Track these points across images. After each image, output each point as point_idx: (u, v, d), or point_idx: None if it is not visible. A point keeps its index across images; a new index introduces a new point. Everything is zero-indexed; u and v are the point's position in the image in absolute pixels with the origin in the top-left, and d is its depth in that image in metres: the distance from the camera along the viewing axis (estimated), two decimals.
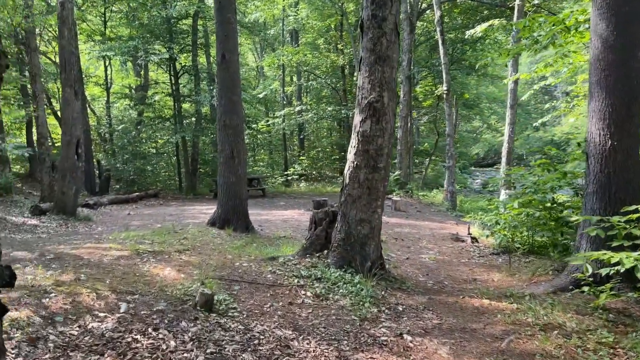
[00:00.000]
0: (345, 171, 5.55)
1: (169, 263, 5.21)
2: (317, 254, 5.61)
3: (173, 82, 20.23)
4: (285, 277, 4.99)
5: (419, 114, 25.04)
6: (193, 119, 20.97)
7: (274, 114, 32.29)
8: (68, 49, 11.23)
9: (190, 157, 20.24)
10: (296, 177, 27.02)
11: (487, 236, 7.92)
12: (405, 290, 5.11)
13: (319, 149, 30.26)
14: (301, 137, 29.55)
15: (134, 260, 5.18)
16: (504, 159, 14.11)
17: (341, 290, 4.70)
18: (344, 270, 5.24)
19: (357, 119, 5.33)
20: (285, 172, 27.51)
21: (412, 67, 20.49)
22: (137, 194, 17.47)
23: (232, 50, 8.43)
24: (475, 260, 7.03)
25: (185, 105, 21.82)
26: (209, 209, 13.88)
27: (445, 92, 15.48)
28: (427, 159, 22.97)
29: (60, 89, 11.54)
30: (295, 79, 32.92)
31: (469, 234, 8.93)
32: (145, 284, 4.35)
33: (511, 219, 6.64)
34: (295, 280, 4.88)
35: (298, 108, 29.78)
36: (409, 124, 21.04)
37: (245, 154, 8.55)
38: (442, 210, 15.01)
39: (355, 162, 5.32)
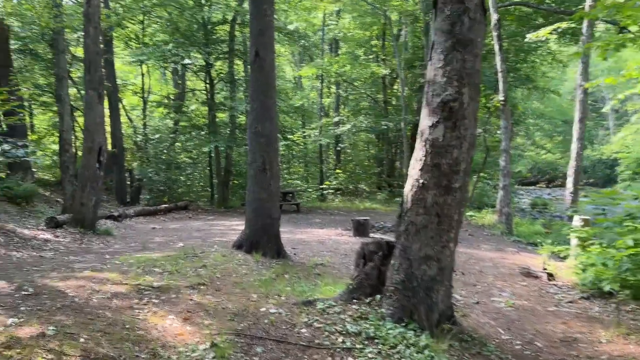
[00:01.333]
0: (406, 191, 4.25)
1: (174, 306, 4.00)
2: (368, 300, 4.29)
3: (208, 90, 19.42)
4: (326, 333, 3.70)
5: None
6: (228, 129, 20.07)
7: (310, 126, 31.30)
8: (93, 48, 10.39)
9: (223, 168, 19.29)
10: (331, 191, 25.78)
11: (577, 273, 6.39)
12: (488, 358, 3.74)
13: (356, 162, 28.94)
14: (338, 149, 28.30)
15: (131, 301, 4.00)
16: (570, 179, 12.47)
17: None
18: (404, 325, 3.92)
19: (425, 122, 4.04)
20: (321, 186, 26.30)
21: None
22: (165, 205, 16.58)
23: (267, 47, 7.29)
24: (565, 308, 5.56)
25: (221, 115, 21.01)
26: (238, 225, 12.73)
27: (502, 102, 13.96)
28: (475, 176, 21.32)
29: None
30: (333, 89, 31.88)
31: (544, 269, 7.42)
32: (135, 342, 3.14)
33: (622, 260, 5.17)
34: (340, 340, 3.59)
35: (336, 119, 28.67)
36: None
37: (278, 167, 7.36)
38: (496, 234, 13.40)
39: (421, 180, 4.02)
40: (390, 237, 10.18)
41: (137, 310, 3.78)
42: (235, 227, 12.54)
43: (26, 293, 4.00)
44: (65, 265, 5.87)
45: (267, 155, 7.20)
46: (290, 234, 11.29)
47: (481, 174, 22.15)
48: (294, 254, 7.94)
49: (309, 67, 27.23)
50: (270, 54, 7.30)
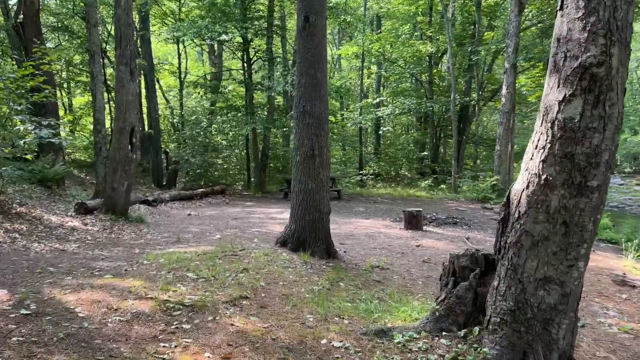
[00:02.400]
0: (516, 189, 3.18)
1: (211, 336, 3.08)
2: (461, 332, 3.26)
3: (245, 69, 18.51)
4: None
5: (523, 110, 21.82)
6: (265, 110, 19.17)
7: (347, 108, 30.10)
8: (125, 20, 9.57)
9: (260, 151, 18.45)
10: (371, 177, 24.67)
11: None
12: None
13: (398, 146, 27.65)
14: (379, 132, 27.07)
15: (156, 327, 3.11)
16: None
17: None
18: None
19: (553, 97, 2.92)
20: (360, 171, 25.21)
21: (517, 54, 17.44)
22: (202, 190, 15.88)
23: (318, 11, 6.24)
24: None
25: (258, 95, 20.12)
26: (278, 214, 11.89)
27: None
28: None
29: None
30: (373, 69, 30.51)
31: None
32: None
33: None
34: None
35: (377, 100, 27.39)
36: (511, 121, 18.00)
37: (328, 152, 6.35)
38: None
39: (543, 176, 2.93)
40: (445, 230, 8.97)
41: (163, 344, 2.87)
42: (274, 215, 11.68)
43: (26, 312, 3.15)
44: (85, 265, 5.06)
45: (316, 139, 6.20)
46: (334, 224, 10.30)
47: None
48: (344, 251, 6.97)
49: (349, 46, 25.96)
50: (322, 19, 6.25)
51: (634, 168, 42.02)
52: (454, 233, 9.98)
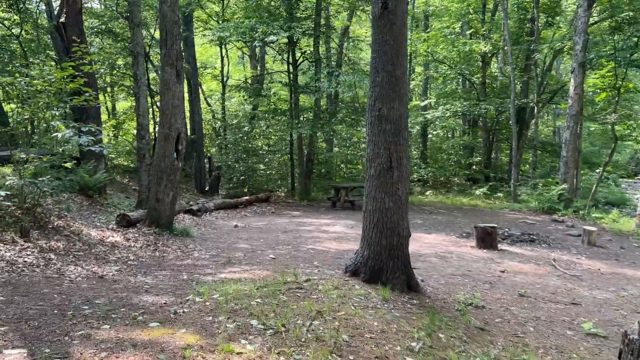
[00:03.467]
0: None
1: None
2: None
3: (291, 70, 17.68)
4: None
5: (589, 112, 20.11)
6: (311, 114, 18.29)
7: None
8: (170, 17, 8.84)
9: (305, 156, 17.57)
10: (419, 183, 23.44)
11: None
12: None
13: (448, 151, 26.28)
14: (429, 136, 25.79)
15: None
16: None
17: None
18: None
19: None
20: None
21: (586, 52, 15.94)
22: (246, 197, 15.12)
23: None
24: None
25: (302, 99, 19.26)
26: (329, 226, 10.93)
27: None
28: (600, 170, 18.15)
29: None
30: (419, 70, 29.26)
31: None
32: None
33: None
34: None
35: (424, 103, 26.14)
36: (579, 125, 16.48)
37: (408, 164, 5.34)
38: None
39: None
40: (524, 250, 7.49)
41: None
42: (325, 228, 10.73)
43: None
44: (126, 303, 4.22)
45: (394, 148, 5.19)
46: None
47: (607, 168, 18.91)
48: (421, 279, 5.93)
49: None
50: (402, 4, 5.24)
51: None
52: (534, 253, 8.76)
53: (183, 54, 16.94)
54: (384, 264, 5.13)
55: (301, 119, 16.88)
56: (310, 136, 16.92)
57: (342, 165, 21.97)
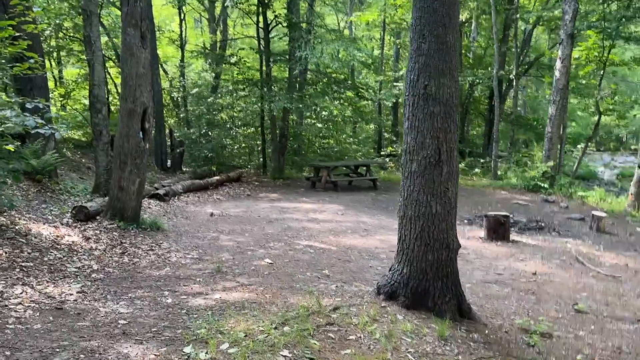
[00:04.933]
0: None
1: None
2: None
3: (262, 36, 16.11)
4: None
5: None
6: (284, 85, 16.83)
7: (363, 82, 27.67)
8: None
9: (279, 132, 16.21)
10: (391, 159, 22.54)
11: None
12: None
13: None
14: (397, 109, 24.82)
15: None
16: None
17: None
18: None
19: None
20: (382, 153, 23.10)
21: (576, 23, 15.18)
22: (217, 177, 13.73)
23: None
24: None
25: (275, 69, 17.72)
26: (317, 213, 9.79)
27: None
28: (582, 146, 17.74)
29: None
30: (390, 40, 28.06)
31: None
32: None
33: None
34: None
35: (396, 74, 25.07)
36: (565, 99, 15.86)
37: (457, 157, 4.23)
38: None
39: None
40: (537, 240, 6.67)
41: None
42: (313, 215, 9.58)
43: None
44: (94, 352, 2.97)
45: (444, 137, 4.06)
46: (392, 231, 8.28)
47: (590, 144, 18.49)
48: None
49: (369, 12, 23.46)
50: None
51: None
52: (549, 244, 7.97)
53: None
54: (431, 285, 4.06)
55: (274, 90, 15.43)
56: (284, 110, 15.54)
57: (314, 139, 20.71)
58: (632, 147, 39.36)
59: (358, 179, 13.96)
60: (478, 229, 8.92)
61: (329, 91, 15.20)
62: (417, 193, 4.10)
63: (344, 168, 14.67)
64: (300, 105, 13.64)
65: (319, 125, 21.71)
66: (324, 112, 19.89)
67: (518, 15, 18.91)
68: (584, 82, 17.99)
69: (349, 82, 15.74)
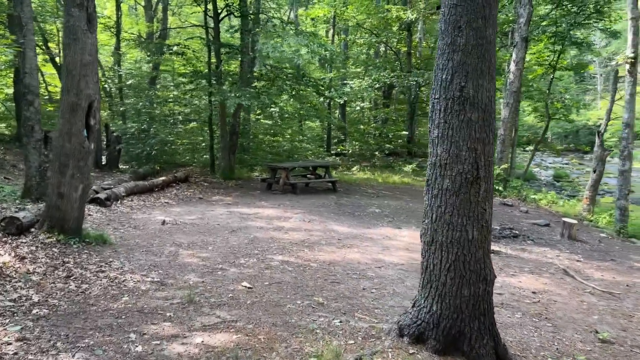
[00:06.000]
0: None
1: None
2: None
3: (211, 26, 14.98)
4: None
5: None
6: (234, 78, 15.79)
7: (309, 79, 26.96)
8: None
9: (229, 129, 15.16)
10: (340, 158, 22.04)
11: None
12: None
13: (365, 125, 25.05)
14: (345, 107, 24.34)
15: None
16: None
17: None
18: None
19: None
20: (332, 152, 22.57)
21: (530, 26, 15.30)
22: (163, 178, 12.54)
23: None
24: None
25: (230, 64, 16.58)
26: (282, 220, 8.96)
27: (632, 59, 10.41)
28: (532, 148, 18.05)
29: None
30: (338, 37, 27.54)
31: None
32: None
33: None
34: None
35: (344, 71, 24.63)
36: (518, 102, 15.99)
37: (493, 171, 3.64)
38: (607, 237, 10.09)
39: None
40: (516, 250, 6.61)
41: None
42: (278, 223, 8.76)
43: None
44: None
45: (482, 150, 3.45)
46: (366, 241, 7.69)
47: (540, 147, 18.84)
48: None
49: (319, 7, 22.81)
50: None
51: (564, 146, 41.53)
52: (531, 255, 7.69)
53: None
54: (466, 326, 3.44)
55: (227, 85, 14.38)
56: (234, 106, 14.50)
57: (263, 137, 19.76)
58: (557, 147, 41.39)
59: (318, 181, 13.26)
60: None
61: (287, 88, 14.34)
62: (450, 215, 3.46)
63: (302, 169, 13.92)
64: (255, 103, 12.67)
65: (268, 122, 20.82)
66: (271, 108, 19.01)
67: None
68: (534, 85, 18.27)
69: (310, 79, 14.90)
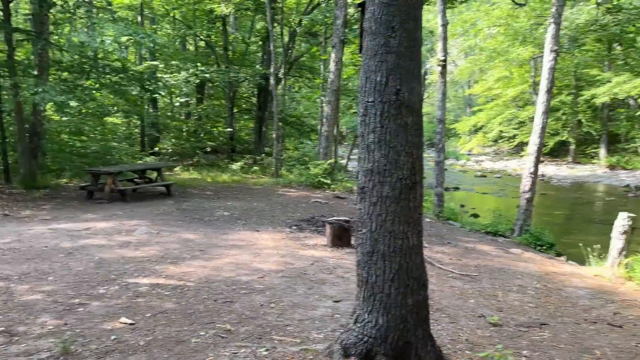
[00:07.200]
0: None
1: None
2: None
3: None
4: None
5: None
6: (33, 70, 13.27)
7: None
8: None
9: (29, 129, 12.74)
10: (160, 158, 20.60)
11: None
12: None
13: (189, 123, 23.82)
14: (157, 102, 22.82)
15: None
16: (532, 157, 11.21)
17: None
18: None
19: None
20: (151, 151, 20.91)
21: (346, 29, 16.30)
22: None
23: None
24: None
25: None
26: (123, 233, 7.91)
27: (442, 63, 11.81)
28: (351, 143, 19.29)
29: None
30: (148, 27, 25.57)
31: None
32: None
33: None
34: None
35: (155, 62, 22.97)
36: (338, 100, 16.94)
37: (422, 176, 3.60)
38: (434, 221, 11.43)
39: None
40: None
41: None
42: (121, 238, 7.66)
43: None
44: None
45: (417, 154, 3.38)
46: (228, 249, 7.23)
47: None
48: None
49: None
50: None
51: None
52: None
53: None
54: (412, 335, 3.36)
55: (28, 78, 12.00)
56: (33, 103, 12.19)
57: (68, 138, 17.13)
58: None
59: (151, 185, 12.02)
60: (313, 235, 8.55)
61: (106, 82, 12.60)
62: (392, 223, 3.32)
63: (131, 173, 12.43)
64: (70, 97, 10.85)
65: (67, 119, 18.14)
66: (72, 103, 16.59)
67: (283, 17, 19.33)
68: (349, 84, 19.57)
69: (133, 72, 13.36)
